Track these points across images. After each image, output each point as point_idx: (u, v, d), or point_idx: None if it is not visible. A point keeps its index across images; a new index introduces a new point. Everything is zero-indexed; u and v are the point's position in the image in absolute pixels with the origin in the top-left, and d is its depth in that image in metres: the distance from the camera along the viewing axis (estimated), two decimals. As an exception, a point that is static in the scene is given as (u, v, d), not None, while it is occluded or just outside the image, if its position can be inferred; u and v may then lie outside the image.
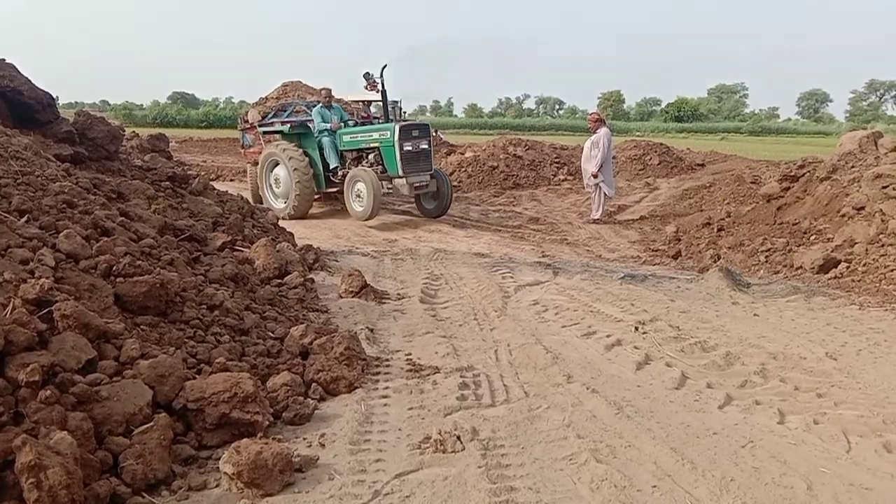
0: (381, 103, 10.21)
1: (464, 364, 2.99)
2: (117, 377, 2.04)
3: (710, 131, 49.80)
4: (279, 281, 4.48)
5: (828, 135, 54.67)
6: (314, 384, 2.57)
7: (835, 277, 5.61)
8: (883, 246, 5.70)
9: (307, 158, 10.18)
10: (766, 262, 6.68)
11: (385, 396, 2.58)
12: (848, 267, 5.71)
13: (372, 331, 3.71)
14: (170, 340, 2.44)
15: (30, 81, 4.92)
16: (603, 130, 9.93)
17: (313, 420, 2.34)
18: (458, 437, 2.16)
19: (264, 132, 11.44)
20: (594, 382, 2.80)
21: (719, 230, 8.23)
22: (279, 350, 2.81)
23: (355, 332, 3.09)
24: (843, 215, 6.96)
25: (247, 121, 12.26)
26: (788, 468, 2.00)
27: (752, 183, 13.79)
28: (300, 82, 18.12)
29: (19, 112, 4.72)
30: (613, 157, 12.86)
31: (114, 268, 2.46)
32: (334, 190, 10.22)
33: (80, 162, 4.51)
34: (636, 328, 3.68)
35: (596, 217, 9.77)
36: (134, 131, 16.97)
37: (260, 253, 4.62)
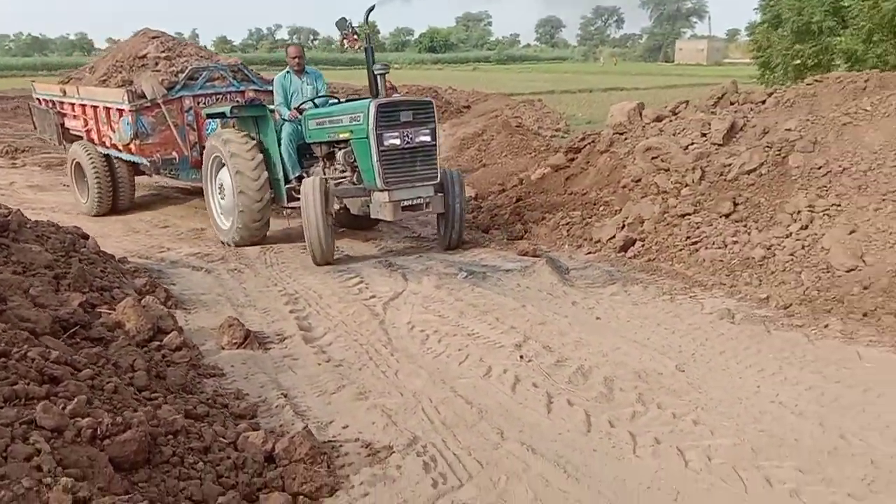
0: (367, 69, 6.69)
1: (408, 436, 3.33)
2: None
3: (462, 61, 52.03)
4: (158, 343, 4.40)
5: (564, 59, 59.29)
6: (301, 497, 2.79)
7: (634, 257, 6.63)
8: (668, 225, 6.81)
9: (260, 156, 7.09)
10: (568, 235, 7.63)
11: (365, 495, 2.87)
12: (643, 245, 6.75)
13: (286, 396, 3.89)
14: (168, 491, 2.51)
15: None
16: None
17: (322, 541, 2.58)
18: (467, 540, 2.55)
19: (208, 115, 8.10)
20: (525, 437, 3.30)
21: (517, 200, 9.08)
22: (244, 460, 2.95)
23: (307, 425, 3.28)
24: (625, 187, 8.09)
25: (140, 95, 8.40)
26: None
27: (516, 127, 15.07)
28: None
29: None
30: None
31: (97, 430, 2.45)
32: (295, 204, 7.18)
33: None
34: (521, 357, 4.26)
35: None
36: None
37: (129, 315, 4.46)
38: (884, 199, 5.53)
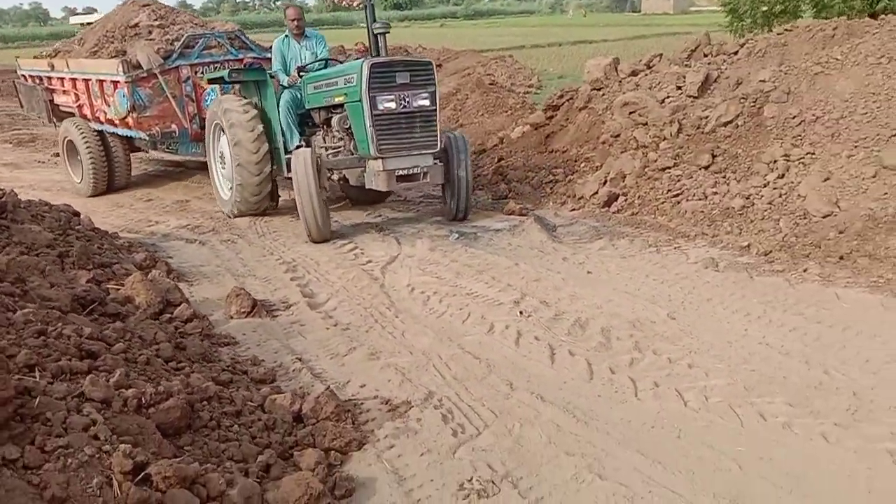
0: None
1: (423, 392, 3.53)
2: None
3: (430, 17, 51.40)
4: (170, 316, 4.54)
5: (531, 13, 58.67)
6: (332, 452, 2.98)
7: (618, 211, 6.85)
8: (649, 179, 7.02)
9: (260, 127, 6.83)
10: (552, 193, 7.83)
11: (391, 447, 3.07)
12: (626, 200, 6.97)
13: (301, 360, 4.07)
14: (211, 453, 2.69)
15: None
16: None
17: (357, 491, 2.78)
18: (492, 481, 2.77)
19: (209, 80, 7.74)
20: (533, 387, 3.52)
21: (499, 159, 9.22)
22: (274, 421, 3.13)
23: (329, 386, 3.46)
24: (604, 143, 8.28)
25: (135, 65, 8.01)
26: (720, 453, 2.91)
27: (490, 84, 15.12)
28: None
29: None
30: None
31: (142, 399, 2.61)
32: None
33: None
34: (521, 313, 4.47)
35: None
36: None
37: (139, 290, 4.58)
38: (856, 147, 5.78)
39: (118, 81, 7.98)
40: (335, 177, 6.82)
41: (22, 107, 11.42)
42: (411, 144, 5.99)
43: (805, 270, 4.91)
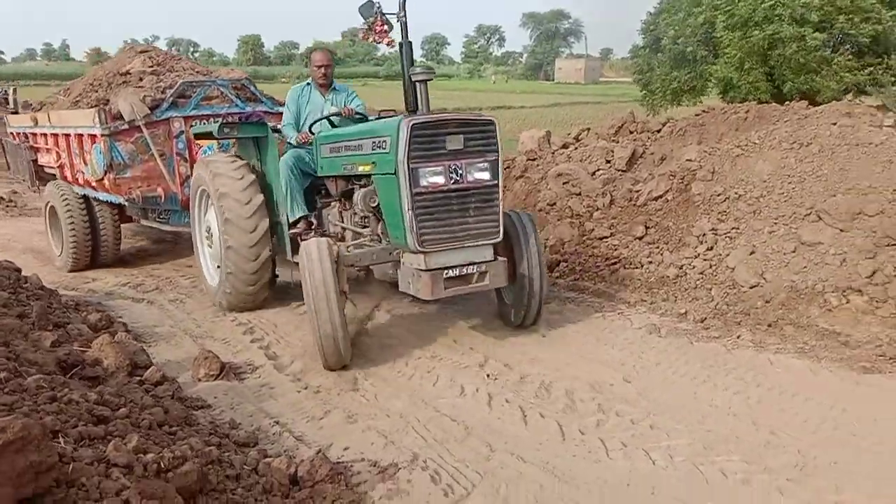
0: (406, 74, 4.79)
1: (408, 454, 3.68)
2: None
3: (352, 76, 52.28)
4: (139, 379, 4.54)
5: (450, 77, 60.34)
6: (334, 515, 3.10)
7: (560, 276, 7.24)
8: (588, 247, 7.47)
9: (259, 198, 5.64)
10: (494, 257, 8.15)
11: (386, 508, 3.22)
12: (567, 266, 7.38)
13: (279, 423, 4.16)
14: (225, 518, 2.77)
15: None
16: None
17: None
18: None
19: (196, 136, 6.66)
20: (512, 448, 3.73)
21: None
22: (271, 485, 3.23)
23: (320, 449, 3.58)
24: (541, 210, 8.75)
25: (116, 115, 6.84)
26: (693, 508, 3.20)
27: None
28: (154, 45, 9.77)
29: None
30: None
31: (160, 464, 2.68)
32: None
33: None
34: (488, 376, 4.71)
35: None
36: None
37: (107, 352, 4.57)
38: (776, 223, 6.39)
39: (95, 135, 6.93)
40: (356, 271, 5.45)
41: (8, 168, 10.36)
42: (464, 233, 4.56)
43: (738, 337, 5.37)
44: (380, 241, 5.07)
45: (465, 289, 4.70)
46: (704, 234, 6.75)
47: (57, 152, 8.08)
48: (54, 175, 8.43)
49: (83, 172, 7.51)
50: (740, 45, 15.12)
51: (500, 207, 4.67)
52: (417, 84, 4.63)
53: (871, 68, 14.16)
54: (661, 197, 7.60)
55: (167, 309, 6.63)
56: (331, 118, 5.88)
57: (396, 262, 4.88)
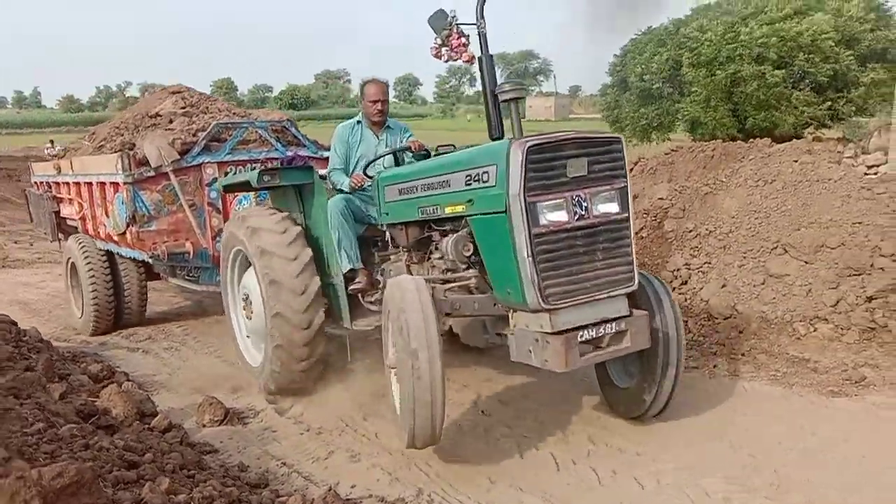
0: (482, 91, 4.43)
1: (413, 489, 3.91)
2: None
3: (326, 118, 52.97)
4: (147, 426, 4.72)
5: (423, 116, 61.22)
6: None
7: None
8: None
9: (307, 253, 4.81)
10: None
11: (401, 543, 3.44)
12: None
13: (286, 464, 4.36)
14: (251, 553, 2.98)
15: None
16: None
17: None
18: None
19: (226, 188, 5.91)
20: (509, 480, 3.99)
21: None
22: (289, 525, 3.44)
23: (331, 486, 3.79)
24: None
25: (141, 161, 6.15)
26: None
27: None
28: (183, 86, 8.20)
29: None
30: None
31: (191, 506, 2.89)
32: (368, 325, 4.82)
33: None
34: (482, 412, 4.97)
35: None
36: None
37: (116, 401, 4.76)
38: (745, 257, 6.77)
39: (118, 183, 6.23)
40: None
41: (31, 220, 9.60)
42: (593, 282, 3.70)
43: (715, 366, 5.69)
44: (476, 295, 4.16)
45: (601, 355, 3.86)
46: (679, 269, 7.11)
47: (79, 203, 7.42)
48: (76, 228, 7.80)
49: (105, 225, 6.90)
50: (706, 84, 15.73)
51: (633, 247, 3.82)
52: (504, 104, 3.97)
53: (831, 102, 14.82)
54: (636, 234, 7.96)
55: (163, 357, 6.80)
56: (396, 154, 5.08)
57: (499, 318, 4.15)
